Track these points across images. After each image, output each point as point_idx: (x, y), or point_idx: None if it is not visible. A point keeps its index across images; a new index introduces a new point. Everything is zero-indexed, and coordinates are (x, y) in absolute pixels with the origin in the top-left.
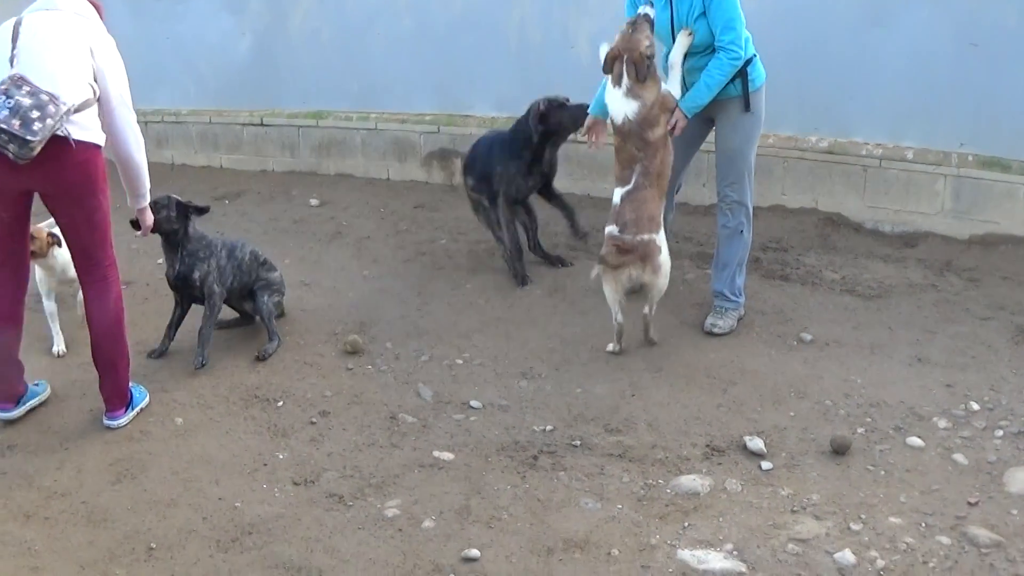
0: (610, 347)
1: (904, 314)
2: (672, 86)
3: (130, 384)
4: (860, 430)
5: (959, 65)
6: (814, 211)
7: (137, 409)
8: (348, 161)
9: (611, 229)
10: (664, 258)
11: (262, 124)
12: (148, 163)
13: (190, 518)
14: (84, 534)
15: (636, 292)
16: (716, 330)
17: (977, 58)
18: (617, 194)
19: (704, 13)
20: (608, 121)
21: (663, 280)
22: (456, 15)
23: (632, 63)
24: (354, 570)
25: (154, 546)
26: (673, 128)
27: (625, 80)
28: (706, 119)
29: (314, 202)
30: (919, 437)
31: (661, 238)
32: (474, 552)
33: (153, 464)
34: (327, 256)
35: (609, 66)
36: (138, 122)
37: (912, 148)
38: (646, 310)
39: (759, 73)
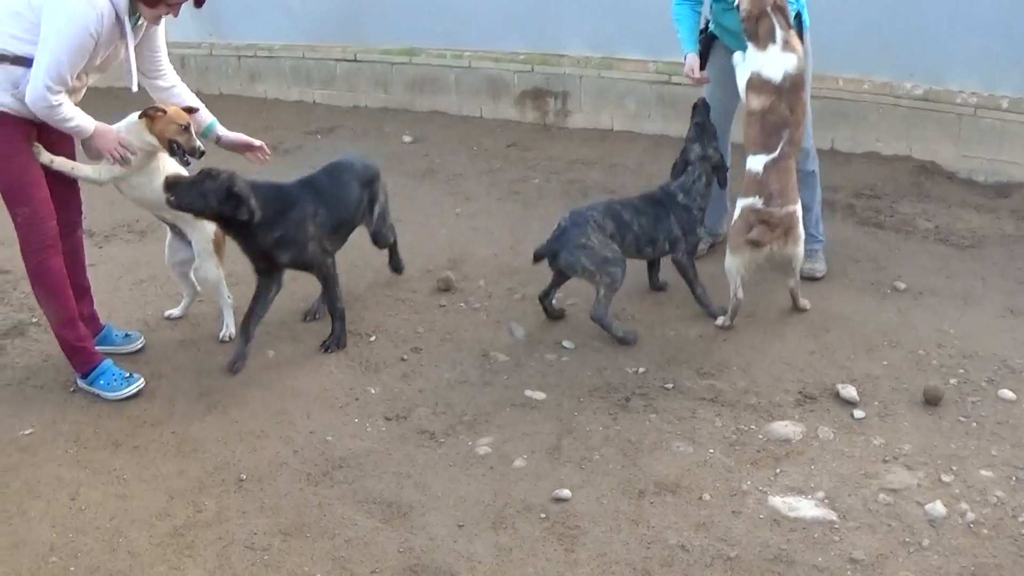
0: (720, 320)
1: (997, 265)
2: None
3: (100, 359)
4: (952, 381)
5: None
6: (908, 159)
7: (95, 389)
8: (441, 98)
9: (752, 201)
10: (802, 228)
11: (355, 60)
12: (242, 97)
13: (280, 451)
14: (173, 464)
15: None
16: (817, 274)
17: None
18: (758, 162)
19: None
20: (748, 88)
21: (802, 248)
22: None
23: (779, 10)
24: (445, 507)
25: (244, 477)
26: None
27: (779, 33)
28: None
29: (407, 139)
30: (1011, 390)
31: (800, 207)
32: (565, 492)
33: (244, 396)
34: (420, 193)
35: (753, 29)
36: (232, 57)
37: (1008, 97)
38: (792, 283)
39: (807, 18)
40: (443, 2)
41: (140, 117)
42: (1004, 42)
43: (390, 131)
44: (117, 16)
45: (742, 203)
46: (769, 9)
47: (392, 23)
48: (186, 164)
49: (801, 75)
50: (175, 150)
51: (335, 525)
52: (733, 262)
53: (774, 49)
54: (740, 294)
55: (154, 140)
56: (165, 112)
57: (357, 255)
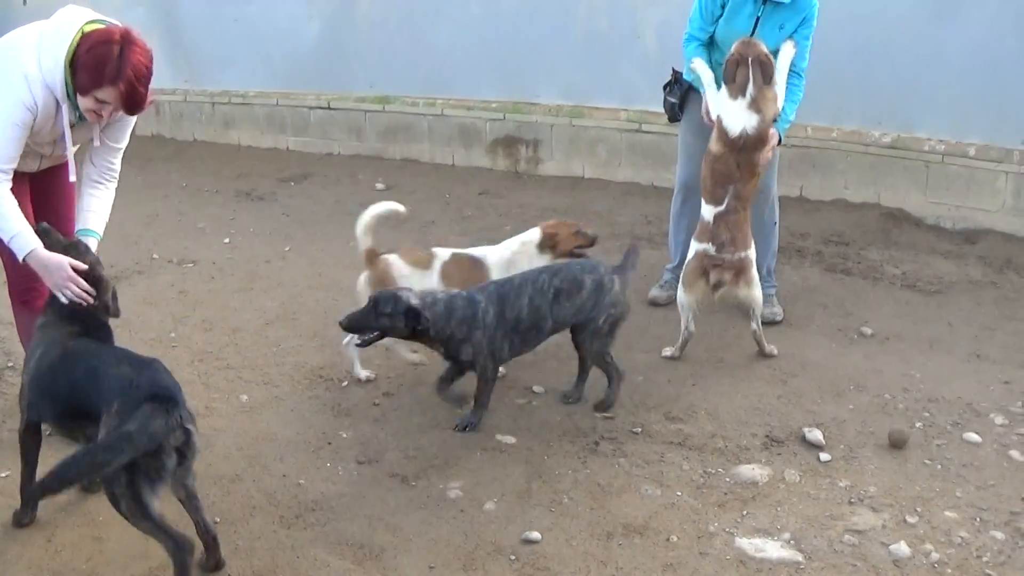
0: (668, 352)
1: (964, 310)
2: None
3: None
4: (918, 424)
5: (1023, 61)
6: (876, 206)
7: None
8: (414, 146)
9: (705, 247)
10: (756, 271)
11: (329, 108)
12: (216, 144)
13: (254, 494)
14: None
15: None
16: (776, 318)
17: None
18: (709, 211)
19: (791, 37)
20: (715, 131)
21: (757, 291)
22: (523, 2)
23: (759, 64)
24: (416, 548)
25: (218, 520)
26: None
27: (751, 89)
28: None
29: (380, 186)
30: (976, 433)
31: (753, 251)
32: (535, 534)
33: (218, 440)
34: (392, 240)
35: (731, 73)
36: (206, 103)
37: (974, 144)
38: (754, 326)
39: (792, 115)
40: (416, 51)
41: (540, 243)
42: (971, 90)
43: (363, 178)
44: (58, 104)
45: (696, 246)
46: (751, 59)
47: (366, 71)
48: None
49: (760, 137)
50: (577, 255)
51: (308, 567)
52: (686, 298)
53: (741, 103)
54: (692, 327)
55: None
56: (558, 233)
57: (330, 300)
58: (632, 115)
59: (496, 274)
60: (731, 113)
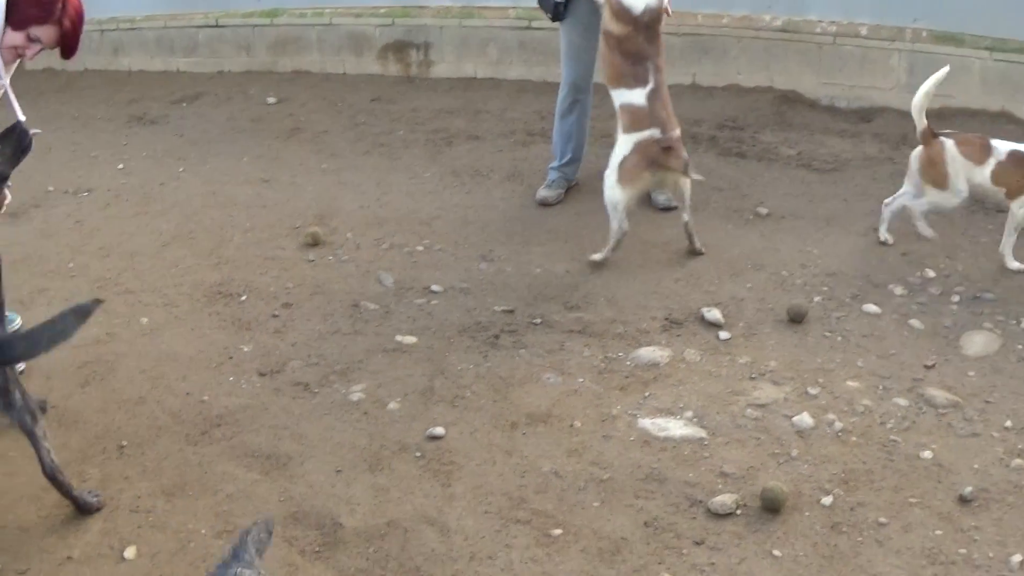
0: (597, 256)
1: (860, 187)
2: None
3: None
4: (817, 299)
5: None
6: (769, 89)
7: None
8: (304, 58)
9: (649, 134)
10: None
11: (217, 25)
12: (106, 71)
13: (159, 415)
14: (56, 437)
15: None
16: (672, 203)
17: None
18: (638, 95)
19: None
20: (608, 13)
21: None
22: None
23: None
24: (322, 454)
25: (125, 444)
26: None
27: None
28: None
29: (271, 100)
30: (875, 304)
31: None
32: (439, 430)
33: (120, 365)
34: (286, 152)
35: None
36: (94, 31)
37: (866, 24)
38: (686, 218)
39: None
40: None
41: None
42: None
43: (254, 94)
44: None
45: (635, 137)
46: None
47: None
48: None
49: (660, 8)
50: None
51: (216, 481)
52: (624, 195)
53: None
54: (626, 226)
55: None
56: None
57: (225, 216)
58: (521, 12)
59: None
60: None
